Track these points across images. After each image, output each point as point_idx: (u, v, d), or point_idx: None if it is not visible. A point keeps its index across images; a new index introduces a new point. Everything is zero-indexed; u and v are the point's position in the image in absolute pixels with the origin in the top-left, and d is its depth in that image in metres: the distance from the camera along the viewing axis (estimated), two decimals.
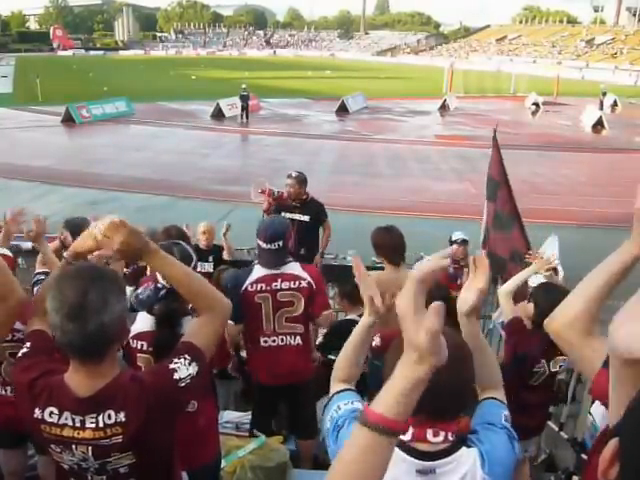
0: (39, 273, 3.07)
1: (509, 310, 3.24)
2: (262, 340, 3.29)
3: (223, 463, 2.83)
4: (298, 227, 5.30)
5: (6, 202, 7.79)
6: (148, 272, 2.42)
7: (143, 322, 2.43)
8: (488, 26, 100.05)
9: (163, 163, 14.94)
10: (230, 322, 3.32)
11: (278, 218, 3.41)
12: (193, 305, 1.78)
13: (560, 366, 3.16)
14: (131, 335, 2.43)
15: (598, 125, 22.80)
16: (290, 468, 3.08)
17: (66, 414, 1.54)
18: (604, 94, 28.72)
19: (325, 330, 4.43)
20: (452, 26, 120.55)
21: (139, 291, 2.40)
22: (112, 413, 1.54)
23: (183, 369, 1.61)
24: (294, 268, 3.29)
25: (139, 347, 2.42)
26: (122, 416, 1.54)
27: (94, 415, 1.54)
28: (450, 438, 1.42)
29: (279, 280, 3.23)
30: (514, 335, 3.19)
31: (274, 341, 3.28)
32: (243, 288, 3.21)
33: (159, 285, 2.25)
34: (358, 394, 1.69)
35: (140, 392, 1.56)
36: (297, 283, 3.24)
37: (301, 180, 5.51)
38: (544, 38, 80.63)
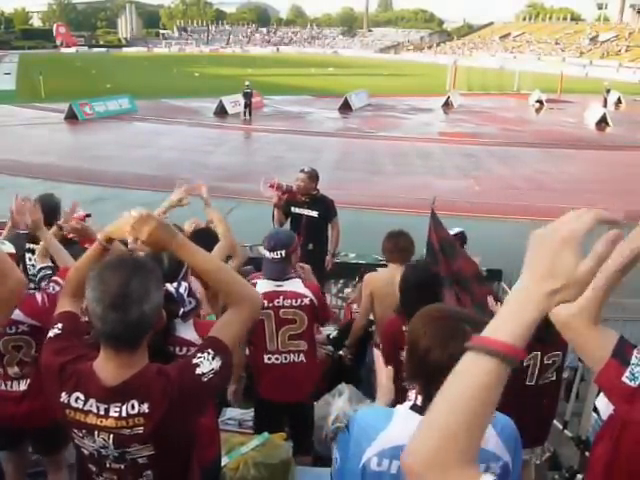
0: (44, 268, 3.00)
1: None
2: (266, 357, 3.26)
3: (226, 460, 2.82)
4: (306, 222, 5.37)
5: (10, 199, 7.79)
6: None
7: None
8: (491, 23, 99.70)
9: (166, 160, 14.91)
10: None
11: (284, 230, 3.43)
12: (222, 298, 1.84)
13: (553, 361, 3.12)
14: None
15: (602, 122, 22.71)
16: (293, 465, 3.08)
17: (91, 401, 1.59)
18: (608, 91, 28.63)
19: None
20: (455, 23, 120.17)
21: None
22: (135, 403, 1.57)
23: (206, 363, 1.62)
24: (296, 285, 3.23)
25: None
26: (145, 407, 1.56)
27: (118, 404, 1.57)
28: None
29: (281, 297, 3.18)
30: None
31: (277, 359, 3.25)
32: None
33: None
34: None
35: (165, 386, 1.58)
36: (299, 301, 3.20)
37: (313, 176, 5.53)
38: (548, 35, 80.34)
